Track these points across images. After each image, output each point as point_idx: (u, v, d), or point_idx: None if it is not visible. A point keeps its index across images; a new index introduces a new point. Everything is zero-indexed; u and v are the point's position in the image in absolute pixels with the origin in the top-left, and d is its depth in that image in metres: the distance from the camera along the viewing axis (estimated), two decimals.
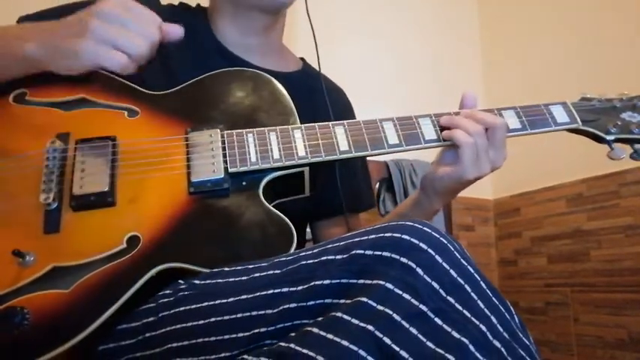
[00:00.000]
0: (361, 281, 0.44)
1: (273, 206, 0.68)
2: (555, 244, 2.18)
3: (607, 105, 0.75)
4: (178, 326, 0.53)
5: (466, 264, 0.45)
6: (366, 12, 2.35)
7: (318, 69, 0.93)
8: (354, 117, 0.98)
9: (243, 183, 0.67)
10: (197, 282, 0.58)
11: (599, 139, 0.73)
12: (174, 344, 0.52)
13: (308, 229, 0.98)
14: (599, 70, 2.03)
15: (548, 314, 2.17)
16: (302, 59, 0.96)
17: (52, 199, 0.63)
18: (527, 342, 0.43)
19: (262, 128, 0.69)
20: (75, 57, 0.63)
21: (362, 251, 0.46)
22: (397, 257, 0.44)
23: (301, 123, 0.72)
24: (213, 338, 0.50)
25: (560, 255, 2.16)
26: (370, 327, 0.40)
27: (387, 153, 0.70)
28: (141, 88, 0.74)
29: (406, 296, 0.42)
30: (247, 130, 0.69)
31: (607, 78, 1.93)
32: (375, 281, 0.43)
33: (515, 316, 0.45)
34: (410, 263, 0.43)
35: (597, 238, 2.01)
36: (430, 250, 0.44)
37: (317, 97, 0.88)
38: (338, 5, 2.22)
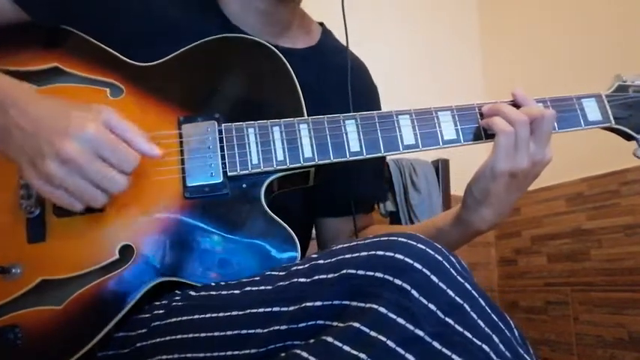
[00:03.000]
0: (354, 303, 0.43)
1: (274, 198, 0.65)
2: (555, 244, 2.18)
3: None
4: (168, 338, 0.52)
5: (463, 281, 0.44)
6: (364, 11, 2.33)
7: (345, 44, 0.83)
8: (376, 99, 0.89)
9: (244, 185, 0.62)
10: (192, 293, 0.57)
11: (628, 137, 0.69)
12: (164, 356, 0.51)
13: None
14: (600, 68, 2.01)
15: (548, 313, 2.18)
16: (322, 26, 0.87)
17: (33, 205, 0.58)
18: (529, 359, 0.43)
19: (265, 121, 0.63)
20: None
21: (354, 271, 0.45)
22: (390, 279, 0.42)
23: (307, 103, 0.65)
24: (201, 354, 0.50)
25: (560, 254, 2.16)
26: (363, 355, 0.39)
27: (402, 154, 0.65)
28: (125, 58, 0.66)
29: (400, 321, 0.40)
30: (248, 123, 0.63)
31: (607, 77, 1.91)
32: (368, 305, 0.42)
33: (515, 330, 0.44)
34: (404, 285, 0.42)
35: (597, 238, 2.02)
36: (425, 270, 0.43)
37: (331, 76, 0.80)
38: (335, 5, 2.18)
